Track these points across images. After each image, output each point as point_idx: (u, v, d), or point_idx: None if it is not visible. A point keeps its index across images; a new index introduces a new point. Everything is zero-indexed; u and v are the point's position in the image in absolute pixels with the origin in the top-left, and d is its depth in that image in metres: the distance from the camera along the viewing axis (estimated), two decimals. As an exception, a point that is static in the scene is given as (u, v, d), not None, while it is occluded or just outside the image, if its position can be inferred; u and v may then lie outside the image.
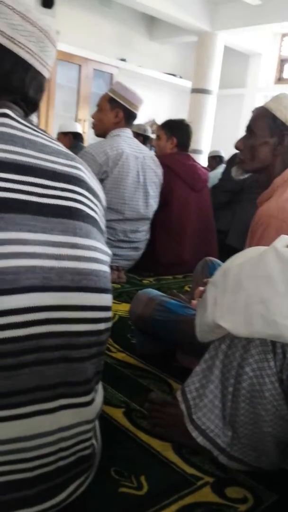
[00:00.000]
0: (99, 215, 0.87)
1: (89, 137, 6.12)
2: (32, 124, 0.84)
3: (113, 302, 0.85)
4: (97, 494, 0.92)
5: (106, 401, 1.26)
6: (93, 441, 0.88)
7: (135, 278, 2.78)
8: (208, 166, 5.17)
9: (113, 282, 2.36)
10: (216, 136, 7.12)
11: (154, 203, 2.82)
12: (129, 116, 2.70)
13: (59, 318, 0.74)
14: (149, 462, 1.06)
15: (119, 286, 2.55)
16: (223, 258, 1.19)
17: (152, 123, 7.08)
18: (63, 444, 0.78)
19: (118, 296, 2.33)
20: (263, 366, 0.91)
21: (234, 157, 3.41)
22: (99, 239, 0.83)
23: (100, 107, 2.72)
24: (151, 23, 7.31)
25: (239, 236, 2.75)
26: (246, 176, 1.59)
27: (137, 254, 2.83)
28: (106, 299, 0.82)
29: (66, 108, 6.49)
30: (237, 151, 1.58)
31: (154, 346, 1.63)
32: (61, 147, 0.86)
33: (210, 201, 3.23)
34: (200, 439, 1.01)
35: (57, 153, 0.83)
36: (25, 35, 0.85)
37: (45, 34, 0.88)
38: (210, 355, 1.01)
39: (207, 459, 1.07)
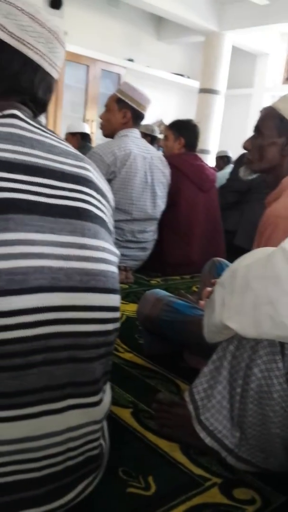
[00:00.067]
0: (107, 215, 0.87)
1: (97, 138, 6.12)
2: (40, 125, 0.85)
3: (121, 303, 0.85)
4: (105, 494, 0.92)
5: (114, 401, 1.26)
6: (101, 441, 0.88)
7: (142, 279, 2.78)
8: (216, 166, 5.18)
9: (120, 283, 2.36)
10: (224, 136, 7.10)
11: (161, 204, 2.82)
12: (137, 117, 2.70)
13: (68, 319, 0.74)
14: (157, 463, 1.06)
15: (126, 286, 2.55)
16: (231, 259, 1.19)
17: (160, 123, 7.06)
18: (72, 444, 0.78)
19: (126, 297, 2.33)
20: (271, 367, 0.90)
21: (242, 157, 3.39)
22: (107, 239, 0.83)
23: (108, 107, 2.72)
24: (159, 23, 7.30)
25: (247, 236, 2.74)
26: (254, 176, 1.59)
27: (144, 254, 2.84)
28: (114, 299, 0.82)
29: (74, 109, 6.50)
30: (245, 151, 1.57)
31: (161, 347, 1.63)
32: (69, 147, 0.86)
33: (217, 201, 3.22)
34: (208, 440, 1.00)
35: (66, 154, 0.83)
36: (34, 36, 0.85)
37: (54, 35, 0.88)
38: (218, 356, 1.01)
39: (215, 460, 1.07)
